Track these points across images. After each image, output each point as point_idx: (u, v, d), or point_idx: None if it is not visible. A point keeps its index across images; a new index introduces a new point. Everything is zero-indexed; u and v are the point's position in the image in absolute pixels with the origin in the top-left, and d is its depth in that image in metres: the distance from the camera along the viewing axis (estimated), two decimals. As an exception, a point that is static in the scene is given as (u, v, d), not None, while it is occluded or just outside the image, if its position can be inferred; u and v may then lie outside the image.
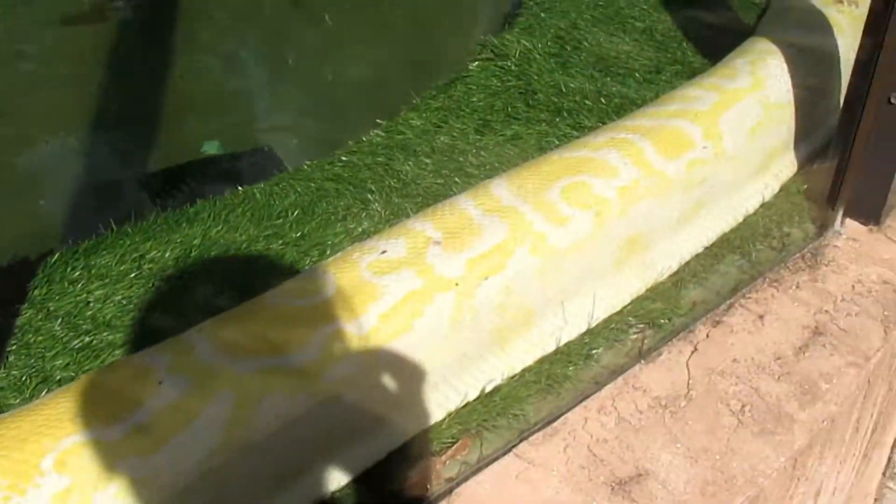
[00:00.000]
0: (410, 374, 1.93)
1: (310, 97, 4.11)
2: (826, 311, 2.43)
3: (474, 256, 2.01)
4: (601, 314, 2.31)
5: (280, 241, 2.52)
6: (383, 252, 1.99)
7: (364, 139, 3.01)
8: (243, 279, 2.36)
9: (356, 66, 4.16)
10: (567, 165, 2.33)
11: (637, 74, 3.29)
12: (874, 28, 2.57)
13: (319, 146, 3.37)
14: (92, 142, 3.64)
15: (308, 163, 2.96)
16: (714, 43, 3.50)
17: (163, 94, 3.84)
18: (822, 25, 3.19)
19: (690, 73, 3.29)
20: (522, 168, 2.36)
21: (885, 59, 2.54)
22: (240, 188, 2.78)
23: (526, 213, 2.14)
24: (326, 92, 4.07)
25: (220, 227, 2.56)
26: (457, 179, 2.75)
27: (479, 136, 2.98)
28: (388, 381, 1.90)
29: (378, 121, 3.12)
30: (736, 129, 2.64)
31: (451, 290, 1.95)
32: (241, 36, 4.42)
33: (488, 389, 2.08)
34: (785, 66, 2.91)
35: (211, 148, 3.69)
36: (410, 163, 2.85)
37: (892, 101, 2.57)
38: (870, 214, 2.73)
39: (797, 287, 2.50)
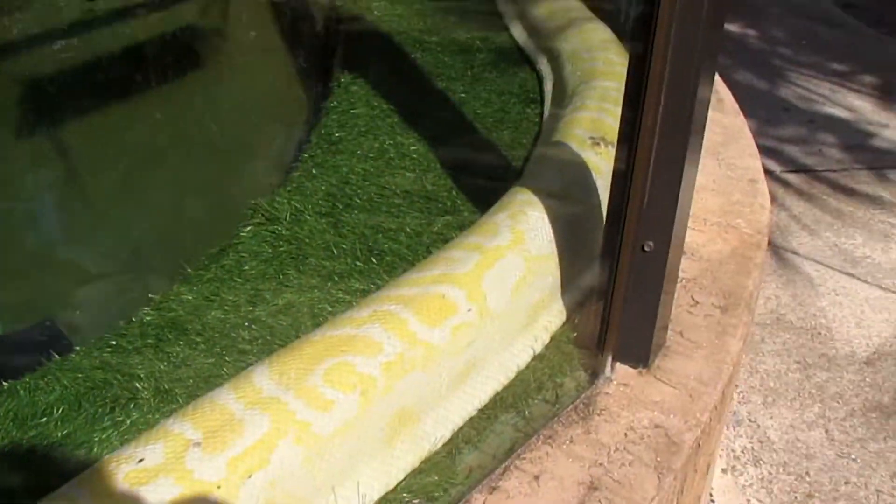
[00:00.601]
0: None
1: (86, 266, 4.08)
2: (600, 464, 2.47)
3: (236, 455, 1.97)
4: (375, 495, 2.29)
5: (45, 443, 2.45)
6: (140, 461, 1.95)
7: (134, 319, 2.96)
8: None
9: (126, 230, 4.14)
10: (330, 345, 2.32)
11: (408, 229, 3.32)
12: (620, 178, 2.67)
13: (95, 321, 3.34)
14: None
15: (78, 348, 2.89)
16: (483, 190, 3.59)
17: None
18: (581, 170, 3.29)
19: (460, 224, 3.35)
20: (285, 352, 2.34)
21: (633, 208, 2.64)
22: (4, 383, 2.70)
23: (289, 402, 2.12)
24: (99, 262, 4.03)
25: (-23, 432, 2.49)
26: (227, 358, 2.71)
27: (251, 308, 2.96)
28: None
29: (150, 295, 3.09)
30: (499, 288, 2.68)
31: (212, 494, 1.92)
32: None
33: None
34: (545, 216, 2.99)
35: (-8, 326, 3.61)
36: (181, 343, 2.80)
37: (646, 248, 2.67)
38: (638, 358, 2.81)
39: (571, 441, 2.54)
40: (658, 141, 2.58)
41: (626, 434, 2.59)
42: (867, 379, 3.27)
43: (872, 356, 3.32)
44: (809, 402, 3.22)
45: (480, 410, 2.61)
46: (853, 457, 3.13)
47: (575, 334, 2.94)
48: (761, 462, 3.20)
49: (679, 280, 3.08)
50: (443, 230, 3.35)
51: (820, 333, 3.44)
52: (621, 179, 2.68)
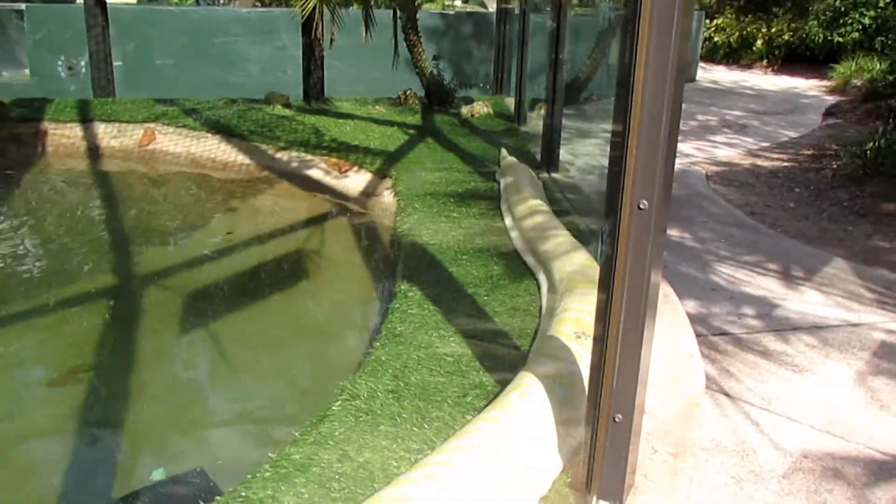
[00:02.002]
0: None
1: (224, 423, 4.12)
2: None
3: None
4: None
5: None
6: None
7: (258, 475, 2.93)
8: None
9: (254, 400, 4.22)
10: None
11: (449, 401, 3.33)
12: (595, 368, 2.69)
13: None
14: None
15: (218, 498, 2.87)
16: (501, 365, 3.62)
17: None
18: (569, 357, 3.31)
19: (486, 395, 3.37)
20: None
21: (606, 388, 2.66)
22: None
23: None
24: (235, 422, 4.07)
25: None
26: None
27: (339, 465, 2.92)
28: None
29: (269, 454, 3.08)
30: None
31: None
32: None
33: None
34: (545, 394, 3.01)
35: (158, 474, 3.60)
36: (291, 494, 2.79)
37: (616, 420, 2.67)
38: (615, 496, 2.76)
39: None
40: (623, 322, 2.61)
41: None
42: (785, 489, 3.20)
43: (787, 471, 3.27)
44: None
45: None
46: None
47: (569, 480, 2.92)
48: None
49: (642, 435, 3.06)
50: (473, 401, 3.35)
51: (748, 454, 3.39)
52: (596, 369, 2.71)
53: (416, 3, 9.28)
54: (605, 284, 2.62)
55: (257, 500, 2.78)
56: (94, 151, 8.43)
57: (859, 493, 3.16)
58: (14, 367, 4.54)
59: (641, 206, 2.48)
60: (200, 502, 3.24)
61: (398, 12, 9.31)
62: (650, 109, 2.42)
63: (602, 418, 2.70)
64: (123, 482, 3.55)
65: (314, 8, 7.16)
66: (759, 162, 8.88)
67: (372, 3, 8.12)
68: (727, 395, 3.77)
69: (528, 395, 2.99)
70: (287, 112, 9.11)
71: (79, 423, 3.96)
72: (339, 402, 3.36)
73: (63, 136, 8.65)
